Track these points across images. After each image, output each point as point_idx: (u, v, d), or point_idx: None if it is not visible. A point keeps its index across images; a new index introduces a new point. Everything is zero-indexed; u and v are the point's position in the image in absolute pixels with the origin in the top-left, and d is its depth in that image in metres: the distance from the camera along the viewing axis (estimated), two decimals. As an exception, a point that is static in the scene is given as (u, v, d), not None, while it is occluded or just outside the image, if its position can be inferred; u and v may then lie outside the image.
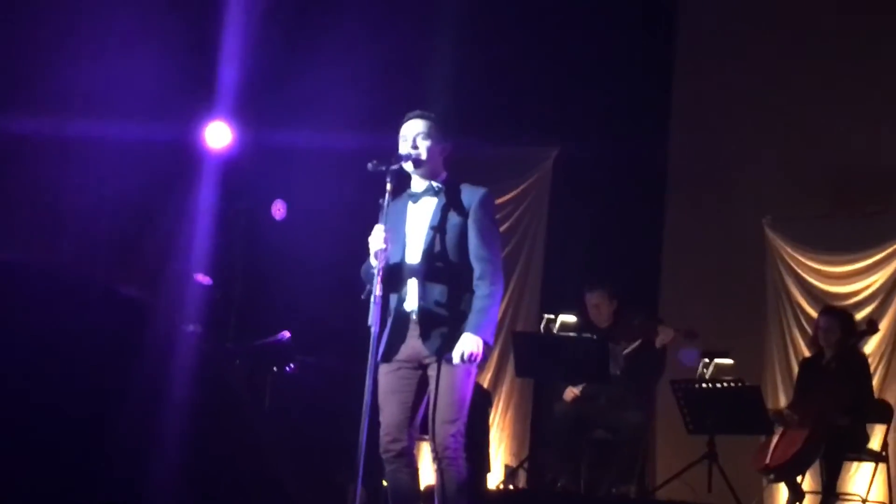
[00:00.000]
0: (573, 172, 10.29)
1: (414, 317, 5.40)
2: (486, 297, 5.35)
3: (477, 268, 5.39)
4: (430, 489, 6.86)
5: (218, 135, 9.20)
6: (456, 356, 5.27)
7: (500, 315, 10.01)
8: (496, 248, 5.52)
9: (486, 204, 5.50)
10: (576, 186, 10.27)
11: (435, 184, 5.51)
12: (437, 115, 5.55)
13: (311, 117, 8.97)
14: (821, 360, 8.34)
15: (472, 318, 5.32)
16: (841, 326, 8.25)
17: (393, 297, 5.42)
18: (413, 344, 5.40)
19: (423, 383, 5.44)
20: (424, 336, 5.35)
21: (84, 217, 7.96)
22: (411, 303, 5.40)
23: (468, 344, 5.26)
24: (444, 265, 5.40)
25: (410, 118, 5.53)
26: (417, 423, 5.51)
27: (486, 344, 5.32)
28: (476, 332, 5.28)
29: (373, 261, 5.36)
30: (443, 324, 5.32)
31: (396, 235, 5.40)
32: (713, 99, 10.50)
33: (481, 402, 8.55)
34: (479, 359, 5.30)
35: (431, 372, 5.38)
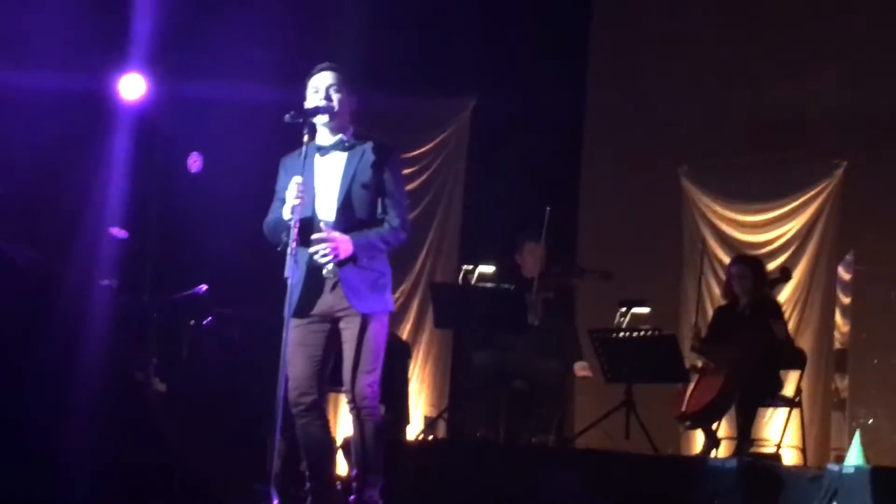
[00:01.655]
0: (491, 124, 10.25)
1: (326, 272, 5.40)
2: (387, 232, 5.42)
3: (389, 214, 5.45)
4: (348, 441, 6.88)
5: (132, 86, 9.06)
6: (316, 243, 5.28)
7: (419, 267, 10.17)
8: (406, 206, 5.60)
9: (397, 162, 5.62)
10: (494, 138, 10.24)
11: (345, 138, 5.51)
12: (347, 69, 5.56)
13: (225, 69, 8.88)
14: (735, 307, 8.43)
15: (362, 232, 5.36)
16: (752, 273, 8.33)
17: (303, 252, 5.39)
18: (327, 298, 5.42)
19: (331, 337, 5.45)
20: (339, 290, 5.37)
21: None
22: (325, 257, 5.38)
23: (338, 238, 5.29)
24: (358, 220, 5.43)
25: (321, 70, 5.54)
26: (326, 377, 5.52)
27: (351, 257, 5.31)
28: (354, 239, 5.32)
29: (286, 214, 5.34)
30: (356, 277, 5.34)
31: (305, 189, 5.38)
32: (631, 48, 10.53)
33: (400, 354, 8.56)
34: (329, 252, 5.27)
35: (344, 325, 5.40)
